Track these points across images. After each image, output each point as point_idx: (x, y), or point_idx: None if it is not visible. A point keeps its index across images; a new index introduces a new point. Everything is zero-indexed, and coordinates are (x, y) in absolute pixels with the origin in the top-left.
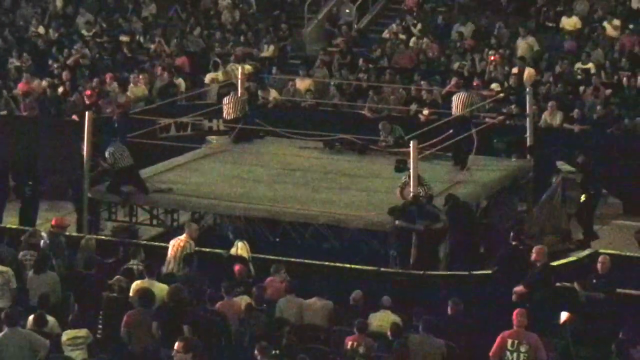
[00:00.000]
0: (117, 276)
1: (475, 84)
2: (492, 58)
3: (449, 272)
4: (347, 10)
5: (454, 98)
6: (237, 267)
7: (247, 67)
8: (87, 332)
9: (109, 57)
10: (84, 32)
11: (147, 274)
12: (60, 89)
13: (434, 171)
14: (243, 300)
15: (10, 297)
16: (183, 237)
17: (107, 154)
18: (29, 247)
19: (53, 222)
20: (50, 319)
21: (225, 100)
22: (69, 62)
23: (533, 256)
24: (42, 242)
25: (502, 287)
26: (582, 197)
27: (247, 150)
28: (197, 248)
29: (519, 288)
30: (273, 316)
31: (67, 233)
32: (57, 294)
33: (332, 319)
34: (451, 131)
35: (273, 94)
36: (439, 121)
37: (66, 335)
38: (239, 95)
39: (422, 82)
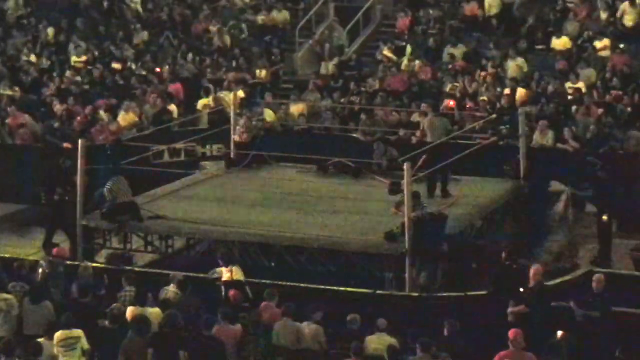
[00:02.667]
0: (115, 304)
1: (467, 105)
2: (484, 75)
3: (444, 294)
4: (337, 34)
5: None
6: (231, 292)
7: (239, 92)
8: (80, 332)
9: (101, 84)
10: (74, 59)
11: (136, 300)
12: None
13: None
14: (239, 326)
15: (13, 325)
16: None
17: (105, 191)
18: (17, 277)
19: (54, 252)
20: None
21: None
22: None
23: (529, 276)
24: (40, 270)
25: (497, 307)
26: (604, 217)
27: (241, 175)
28: (192, 274)
29: (514, 308)
30: (270, 341)
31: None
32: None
33: (321, 341)
34: (424, 156)
35: (269, 115)
36: (432, 143)
37: (58, 337)
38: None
39: (423, 105)
